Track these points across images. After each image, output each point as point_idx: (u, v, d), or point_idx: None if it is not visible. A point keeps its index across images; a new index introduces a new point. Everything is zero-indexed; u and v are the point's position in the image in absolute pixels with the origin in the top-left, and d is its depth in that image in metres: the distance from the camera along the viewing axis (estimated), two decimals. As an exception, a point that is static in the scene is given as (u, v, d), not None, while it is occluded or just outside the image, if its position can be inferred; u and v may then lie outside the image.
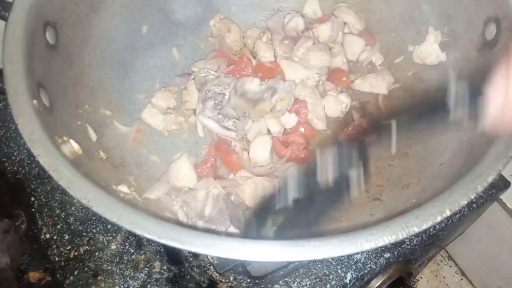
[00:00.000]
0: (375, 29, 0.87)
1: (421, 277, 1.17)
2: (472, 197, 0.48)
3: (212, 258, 0.68)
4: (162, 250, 0.70)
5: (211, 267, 0.68)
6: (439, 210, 0.46)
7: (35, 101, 0.52)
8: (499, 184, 0.78)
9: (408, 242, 0.70)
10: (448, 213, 0.46)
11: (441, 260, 1.17)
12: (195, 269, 0.68)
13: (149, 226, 0.44)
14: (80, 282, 0.67)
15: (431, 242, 0.73)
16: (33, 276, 0.68)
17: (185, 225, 0.44)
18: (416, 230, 0.45)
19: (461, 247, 1.13)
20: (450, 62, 0.75)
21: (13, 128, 0.80)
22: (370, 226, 0.45)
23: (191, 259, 0.69)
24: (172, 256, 0.69)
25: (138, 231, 0.43)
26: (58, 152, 0.48)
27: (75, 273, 0.68)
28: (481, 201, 0.75)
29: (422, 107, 0.59)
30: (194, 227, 0.44)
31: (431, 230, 0.71)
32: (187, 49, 0.88)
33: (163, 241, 0.43)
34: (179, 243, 0.43)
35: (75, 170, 0.47)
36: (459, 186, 0.49)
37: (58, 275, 0.68)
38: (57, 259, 0.69)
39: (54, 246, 0.70)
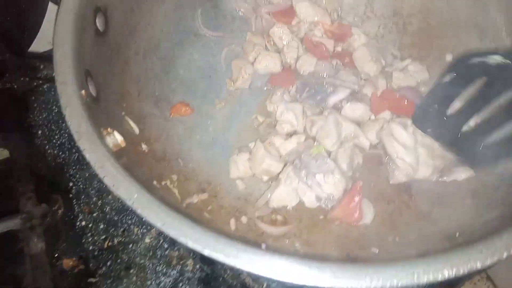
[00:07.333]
0: (434, 32, 0.81)
1: (455, 295, 1.12)
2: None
3: (246, 263, 0.66)
4: (196, 248, 0.68)
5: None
6: (505, 244, 0.43)
7: (83, 92, 0.50)
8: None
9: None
10: (516, 249, 0.42)
11: (478, 280, 1.11)
12: (228, 272, 0.66)
13: (193, 235, 0.42)
14: (112, 274, 0.67)
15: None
16: (67, 263, 0.67)
17: (230, 235, 0.42)
18: (479, 265, 0.41)
19: (501, 268, 1.07)
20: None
21: (56, 110, 0.78)
22: (427, 255, 0.42)
23: (224, 261, 0.67)
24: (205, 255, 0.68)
25: (182, 240, 0.41)
26: (104, 148, 0.47)
27: (108, 264, 0.68)
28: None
29: None
30: (244, 239, 0.41)
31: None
32: (235, 40, 0.84)
33: (207, 252, 0.41)
34: (223, 256, 0.41)
35: (120, 168, 0.45)
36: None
37: (91, 265, 0.68)
38: (91, 248, 0.69)
39: (89, 235, 0.70)
